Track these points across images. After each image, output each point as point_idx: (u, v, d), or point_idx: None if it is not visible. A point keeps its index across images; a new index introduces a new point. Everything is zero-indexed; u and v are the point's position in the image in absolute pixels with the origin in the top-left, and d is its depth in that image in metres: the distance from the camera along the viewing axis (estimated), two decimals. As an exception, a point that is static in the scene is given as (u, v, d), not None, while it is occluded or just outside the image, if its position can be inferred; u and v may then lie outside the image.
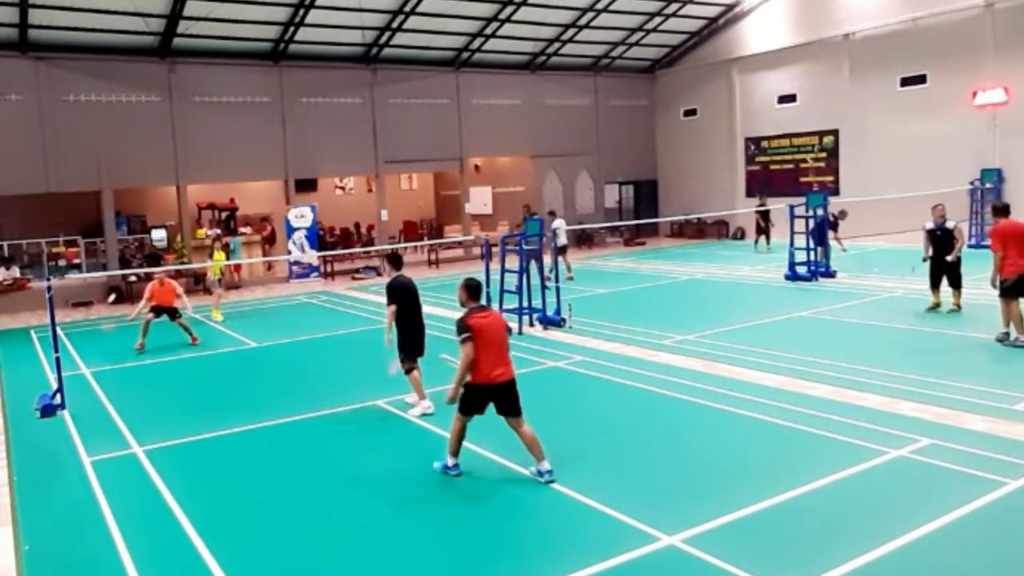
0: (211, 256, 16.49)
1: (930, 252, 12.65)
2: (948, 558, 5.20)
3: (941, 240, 12.52)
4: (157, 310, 13.70)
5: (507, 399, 6.73)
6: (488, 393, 6.69)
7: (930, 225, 12.70)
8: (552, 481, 6.56)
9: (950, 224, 12.51)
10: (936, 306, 12.72)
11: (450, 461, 6.89)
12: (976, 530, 5.52)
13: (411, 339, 8.81)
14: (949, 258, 12.49)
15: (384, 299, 9.04)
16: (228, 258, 15.19)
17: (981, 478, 6.25)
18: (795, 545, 5.41)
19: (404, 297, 8.78)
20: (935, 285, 12.76)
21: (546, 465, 6.64)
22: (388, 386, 9.39)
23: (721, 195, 28.56)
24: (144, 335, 13.57)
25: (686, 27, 28.53)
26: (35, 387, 10.78)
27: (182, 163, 22.07)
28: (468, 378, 6.64)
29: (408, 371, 8.79)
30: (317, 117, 24.14)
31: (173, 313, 13.81)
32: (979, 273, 12.97)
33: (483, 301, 7.15)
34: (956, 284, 12.64)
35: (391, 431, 8.40)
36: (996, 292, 10.63)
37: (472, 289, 6.98)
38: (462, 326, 6.62)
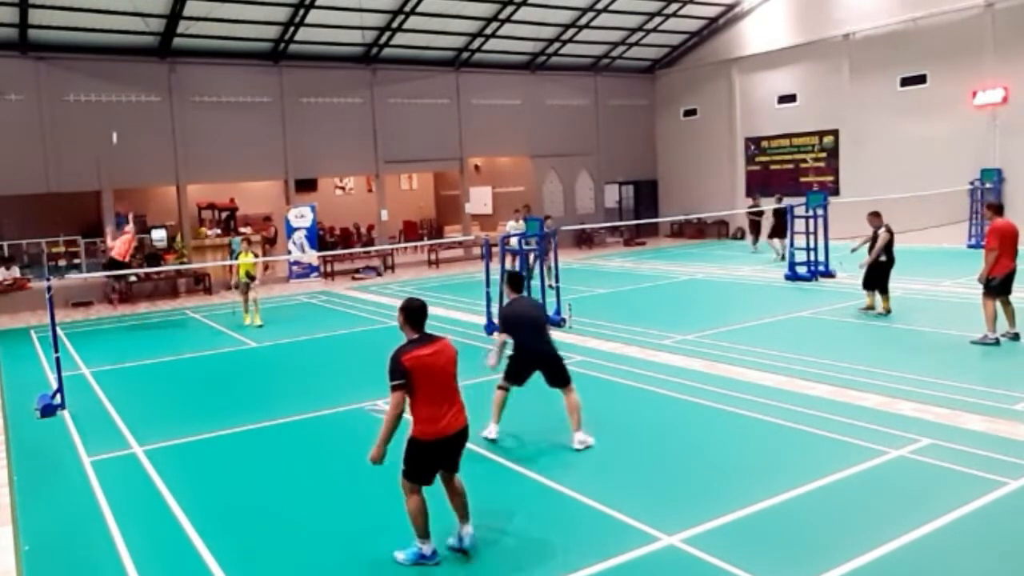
0: (234, 255, 16.50)
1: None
2: (948, 558, 5.20)
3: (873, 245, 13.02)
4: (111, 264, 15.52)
5: (456, 451, 5.50)
6: (439, 449, 5.37)
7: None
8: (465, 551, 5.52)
9: (880, 231, 12.93)
10: (887, 311, 12.86)
11: (424, 548, 5.35)
12: (976, 530, 5.52)
13: (520, 364, 7.58)
14: (860, 262, 13.25)
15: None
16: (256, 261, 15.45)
17: (981, 478, 6.25)
18: (795, 545, 5.41)
19: (517, 328, 7.52)
20: (868, 287, 13.12)
21: (469, 529, 5.55)
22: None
23: (721, 195, 28.56)
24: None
25: (686, 27, 28.54)
26: (35, 387, 10.77)
27: (182, 163, 22.07)
28: (413, 433, 5.37)
29: (498, 387, 7.75)
30: (317, 117, 24.14)
31: (120, 267, 15.86)
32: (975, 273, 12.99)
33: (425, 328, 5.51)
34: (870, 286, 13.02)
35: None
36: (981, 289, 10.70)
37: (411, 312, 5.43)
38: (395, 368, 5.24)
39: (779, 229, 20.72)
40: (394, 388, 5.24)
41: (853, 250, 13.41)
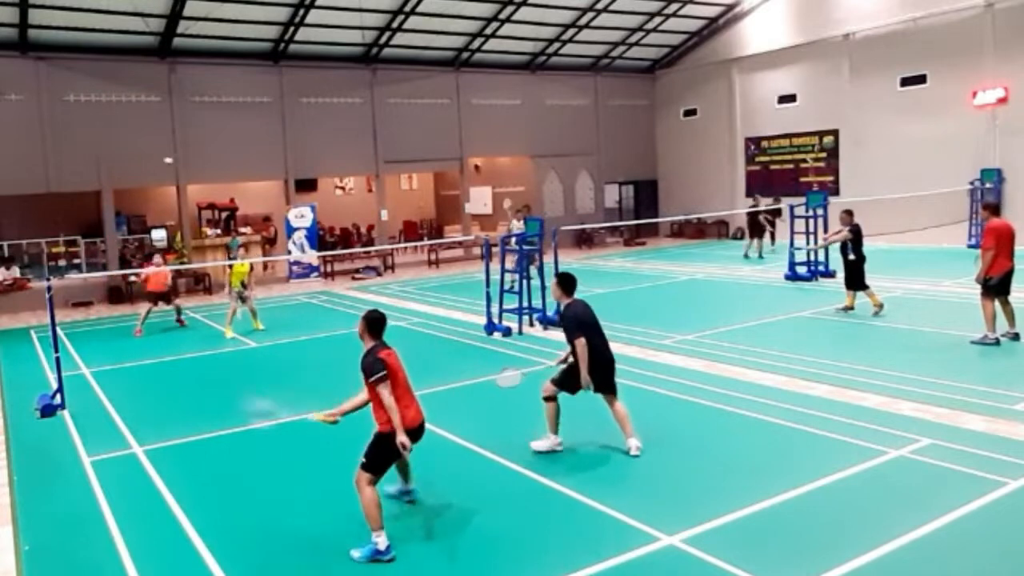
0: (232, 255, 16.43)
1: (850, 255, 13.21)
2: (948, 558, 5.20)
3: (843, 245, 13.21)
4: (153, 297, 15.23)
5: (415, 441, 5.91)
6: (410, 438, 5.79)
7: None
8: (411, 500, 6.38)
9: (847, 228, 13.24)
10: (878, 306, 12.95)
11: (380, 542, 5.48)
12: (976, 530, 5.52)
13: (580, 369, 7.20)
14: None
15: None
16: (251, 267, 15.26)
17: (981, 478, 6.25)
18: (795, 545, 5.41)
19: (584, 331, 7.18)
20: (850, 287, 13.33)
21: (411, 485, 6.43)
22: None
23: (721, 195, 28.55)
24: (143, 322, 15.09)
25: (686, 27, 28.53)
26: (35, 387, 10.77)
27: (182, 163, 22.06)
28: (381, 429, 5.73)
29: (546, 399, 7.38)
30: (317, 117, 24.13)
31: (168, 298, 15.51)
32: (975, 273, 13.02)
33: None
34: (851, 286, 13.20)
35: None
36: (980, 289, 10.71)
37: (372, 322, 5.99)
38: (375, 361, 5.67)
39: (756, 230, 22.20)
40: (381, 380, 5.63)
41: (823, 237, 13.81)
